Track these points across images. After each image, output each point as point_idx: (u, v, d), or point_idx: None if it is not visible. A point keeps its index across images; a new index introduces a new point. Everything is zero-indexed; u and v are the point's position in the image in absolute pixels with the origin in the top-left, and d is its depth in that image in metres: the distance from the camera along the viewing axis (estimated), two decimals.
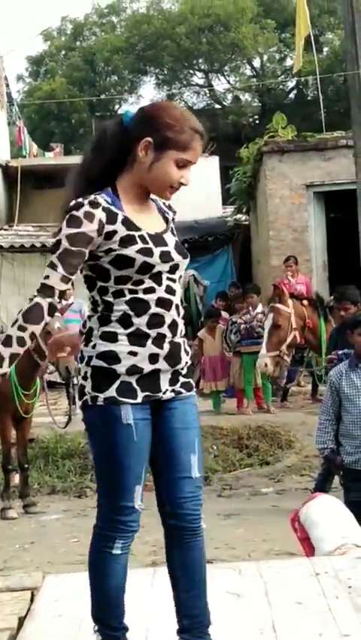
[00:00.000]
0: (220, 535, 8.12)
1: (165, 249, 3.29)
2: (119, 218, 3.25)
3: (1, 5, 22.98)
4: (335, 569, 4.38)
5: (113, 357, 3.24)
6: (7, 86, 24.16)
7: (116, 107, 35.86)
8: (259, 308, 13.31)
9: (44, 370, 9.78)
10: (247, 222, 19.30)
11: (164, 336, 3.27)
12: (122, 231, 3.23)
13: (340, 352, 7.64)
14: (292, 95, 35.39)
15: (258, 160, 16.52)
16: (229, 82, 35.45)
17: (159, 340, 3.26)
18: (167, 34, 32.54)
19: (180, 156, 3.26)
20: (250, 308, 13.40)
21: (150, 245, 3.25)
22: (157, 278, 3.27)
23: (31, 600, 4.20)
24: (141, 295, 3.25)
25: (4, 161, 20.77)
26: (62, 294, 3.25)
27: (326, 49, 33.10)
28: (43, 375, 10.08)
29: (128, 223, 3.25)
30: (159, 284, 3.27)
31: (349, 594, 4.04)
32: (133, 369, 3.24)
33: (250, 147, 17.59)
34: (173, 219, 3.50)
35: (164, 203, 3.49)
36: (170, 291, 3.30)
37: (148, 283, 3.25)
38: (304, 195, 15.73)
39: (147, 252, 3.23)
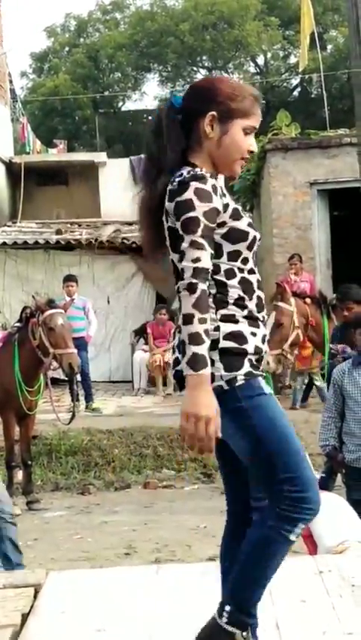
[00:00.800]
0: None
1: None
2: (222, 191, 3.15)
3: (5, 2, 22.93)
4: (339, 568, 4.39)
5: (241, 337, 3.11)
6: (11, 82, 24.12)
7: (120, 103, 35.92)
8: None
9: (48, 367, 9.79)
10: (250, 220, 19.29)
11: (264, 319, 3.22)
12: (232, 204, 3.14)
13: (340, 346, 7.64)
14: (296, 93, 35.42)
15: (262, 157, 16.50)
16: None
17: (263, 323, 3.20)
18: (170, 31, 32.57)
19: (246, 123, 3.16)
20: None
21: (250, 220, 3.20)
22: (254, 257, 3.20)
23: (35, 597, 4.20)
24: (247, 275, 3.16)
25: (8, 157, 20.74)
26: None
27: (330, 46, 33.13)
28: (47, 372, 10.08)
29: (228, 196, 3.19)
30: (255, 264, 3.20)
31: (352, 592, 4.04)
32: (256, 350, 3.13)
33: None
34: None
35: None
36: (257, 272, 3.23)
37: (251, 263, 3.18)
38: (307, 193, 15.71)
39: (254, 227, 3.19)
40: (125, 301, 17.26)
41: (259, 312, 3.18)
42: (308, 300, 10.48)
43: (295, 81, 34.83)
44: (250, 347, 3.12)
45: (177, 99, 3.24)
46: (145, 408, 13.90)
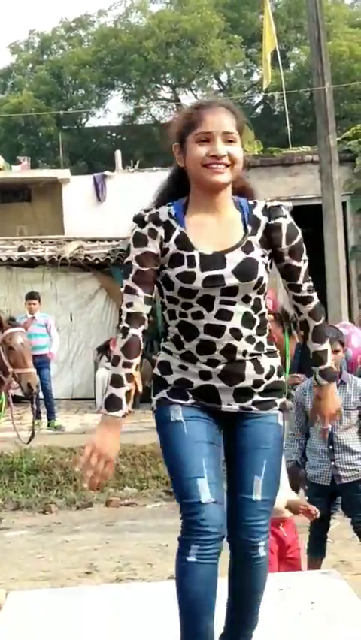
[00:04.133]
0: None
1: (216, 272, 3.11)
2: (175, 234, 3.16)
3: None
4: (299, 585, 4.39)
5: (166, 368, 3.24)
6: None
7: (84, 120, 35.92)
8: None
9: (8, 386, 9.74)
10: None
11: (217, 361, 3.16)
12: (173, 250, 3.14)
13: (301, 376, 7.77)
14: (258, 110, 35.62)
15: None
16: (196, 96, 35.58)
17: (210, 364, 3.17)
18: (134, 49, 32.65)
19: (195, 133, 3.16)
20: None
21: (195, 269, 3.11)
22: (207, 302, 3.13)
23: None
24: (189, 320, 3.16)
25: None
26: (149, 317, 3.17)
27: (292, 64, 33.38)
28: (9, 390, 10.03)
29: (182, 241, 3.15)
30: (210, 309, 3.13)
31: (312, 610, 4.05)
32: (183, 382, 3.20)
33: None
34: (271, 228, 3.24)
35: (264, 209, 3.26)
36: (224, 316, 3.14)
37: (197, 307, 3.14)
38: None
39: (187, 278, 3.11)
40: (88, 318, 17.23)
41: (201, 354, 3.17)
42: (270, 317, 10.50)
43: (257, 99, 35.06)
44: (171, 379, 3.22)
45: None
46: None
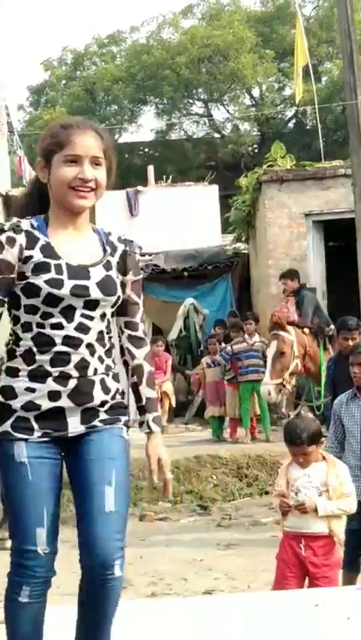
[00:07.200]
0: (220, 565, 8.09)
1: (82, 282, 3.15)
2: (40, 243, 3.17)
3: (3, 35, 23.12)
4: (335, 601, 4.36)
5: (10, 392, 3.17)
6: (8, 115, 24.22)
7: (117, 136, 36.04)
8: (257, 337, 13.40)
9: None
10: (246, 251, 19.35)
11: (69, 375, 3.15)
12: (38, 257, 3.14)
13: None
14: (291, 124, 35.59)
15: (257, 189, 16.58)
16: (228, 111, 35.66)
17: (62, 379, 3.14)
18: (167, 64, 32.75)
19: (63, 154, 3.17)
20: (247, 336, 13.48)
21: (63, 276, 3.13)
22: (68, 313, 3.14)
23: None
24: (47, 330, 3.14)
25: (5, 190, 20.80)
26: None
27: (324, 78, 33.31)
28: None
29: (48, 250, 3.16)
30: (70, 320, 3.14)
31: (347, 625, 4.02)
32: (29, 406, 3.14)
33: (249, 176, 17.66)
34: (127, 255, 3.33)
35: (119, 238, 3.36)
36: (82, 328, 3.17)
37: (57, 318, 3.14)
38: (303, 224, 15.78)
39: (56, 284, 3.11)
40: None
41: (55, 366, 3.15)
42: (306, 330, 10.50)
43: (290, 113, 35.02)
44: (16, 403, 3.16)
45: None
46: (140, 439, 13.80)
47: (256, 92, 35.46)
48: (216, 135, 35.45)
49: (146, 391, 3.37)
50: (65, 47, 37.83)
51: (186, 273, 18.69)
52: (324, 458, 5.41)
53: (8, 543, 9.46)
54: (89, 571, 3.16)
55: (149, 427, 3.38)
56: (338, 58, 31.17)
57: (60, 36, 64.30)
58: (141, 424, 3.39)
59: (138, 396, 3.38)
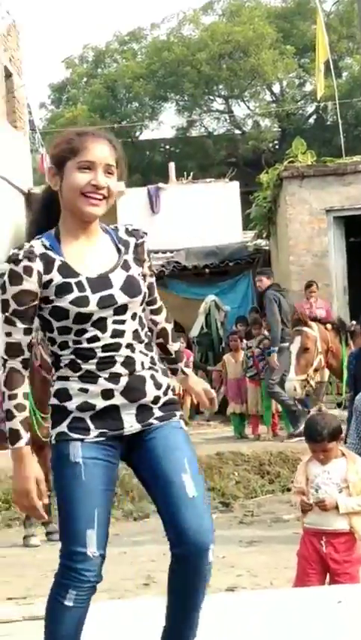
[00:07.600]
0: (242, 562, 8.08)
1: (106, 292, 3.17)
2: (56, 264, 3.18)
3: (24, 34, 23.16)
4: (358, 597, 4.36)
5: (65, 394, 3.20)
6: (30, 113, 24.32)
7: (138, 133, 36.09)
8: None
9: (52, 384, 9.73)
10: (267, 247, 19.34)
11: (118, 374, 3.18)
12: (58, 279, 3.16)
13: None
14: (311, 120, 35.52)
15: (278, 185, 16.56)
16: (248, 107, 35.65)
17: (112, 378, 3.18)
18: (187, 61, 32.76)
19: (77, 160, 3.17)
20: (267, 332, 13.48)
21: (87, 292, 3.15)
22: (100, 325, 3.17)
23: None
24: (85, 345, 3.17)
25: (27, 188, 20.89)
26: (30, 345, 3.21)
27: (345, 74, 33.24)
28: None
29: (65, 269, 3.18)
30: (104, 330, 3.17)
31: None
32: (84, 406, 3.18)
33: (269, 172, 17.64)
34: (138, 246, 3.35)
35: (127, 231, 3.37)
36: (117, 334, 3.19)
37: (91, 332, 3.16)
38: (324, 220, 15.74)
39: (82, 302, 3.14)
40: None
41: (102, 370, 3.18)
42: (328, 326, 10.49)
43: (310, 109, 34.95)
44: (72, 404, 3.19)
45: None
46: None
47: (276, 88, 35.43)
48: (237, 131, 35.44)
49: (173, 346, 3.56)
50: (86, 45, 37.93)
51: (207, 270, 18.71)
52: (343, 454, 5.40)
53: (33, 540, 9.46)
54: (183, 560, 3.18)
55: (183, 372, 3.58)
56: (358, 54, 31.13)
57: (81, 34, 64.42)
58: (173, 372, 3.55)
59: (166, 352, 3.54)
